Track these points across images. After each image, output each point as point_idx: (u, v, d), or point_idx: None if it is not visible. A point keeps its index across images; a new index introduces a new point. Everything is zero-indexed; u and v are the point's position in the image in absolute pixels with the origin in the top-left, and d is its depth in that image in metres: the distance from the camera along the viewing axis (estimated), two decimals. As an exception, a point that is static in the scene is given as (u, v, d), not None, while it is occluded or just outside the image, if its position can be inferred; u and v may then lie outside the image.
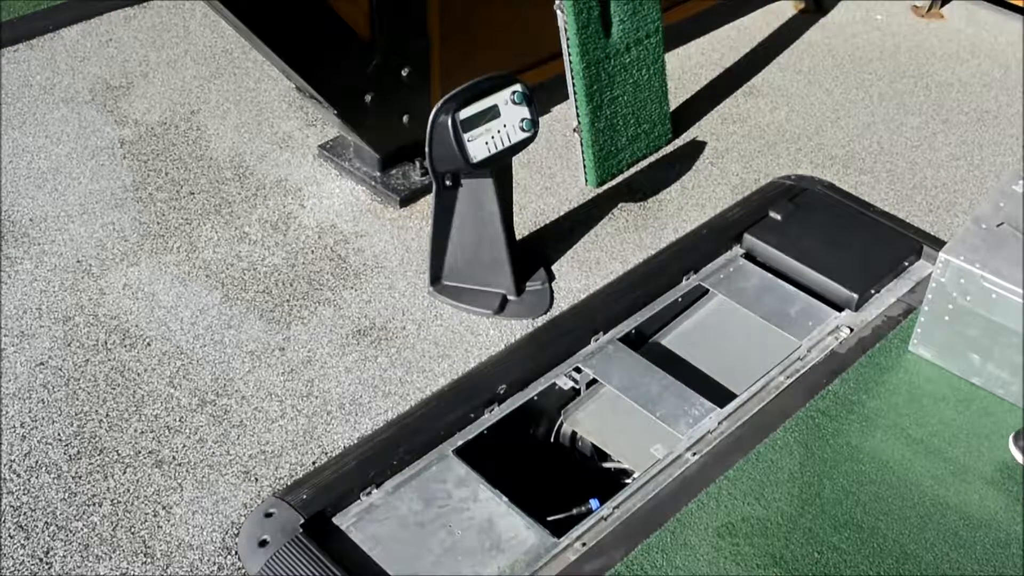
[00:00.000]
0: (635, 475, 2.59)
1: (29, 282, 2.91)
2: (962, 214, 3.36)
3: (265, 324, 2.83)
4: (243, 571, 2.23)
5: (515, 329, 2.86)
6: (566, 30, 3.07)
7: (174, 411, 2.57)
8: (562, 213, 3.31)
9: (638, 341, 2.90)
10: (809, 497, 2.44)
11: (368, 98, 3.10)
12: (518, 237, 3.01)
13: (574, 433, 2.76)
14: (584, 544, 2.31)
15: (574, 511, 2.50)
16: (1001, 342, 2.63)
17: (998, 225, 2.71)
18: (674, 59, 4.07)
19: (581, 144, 3.25)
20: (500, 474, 2.48)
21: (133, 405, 2.58)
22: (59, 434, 2.50)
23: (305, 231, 3.16)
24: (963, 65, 4.19)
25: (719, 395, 2.73)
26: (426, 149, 2.67)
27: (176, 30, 4.08)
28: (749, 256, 3.16)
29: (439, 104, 2.64)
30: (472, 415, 2.59)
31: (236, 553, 2.26)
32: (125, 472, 2.42)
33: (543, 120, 3.29)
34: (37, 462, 2.43)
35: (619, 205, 3.35)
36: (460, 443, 2.53)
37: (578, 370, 2.75)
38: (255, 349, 2.75)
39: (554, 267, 3.09)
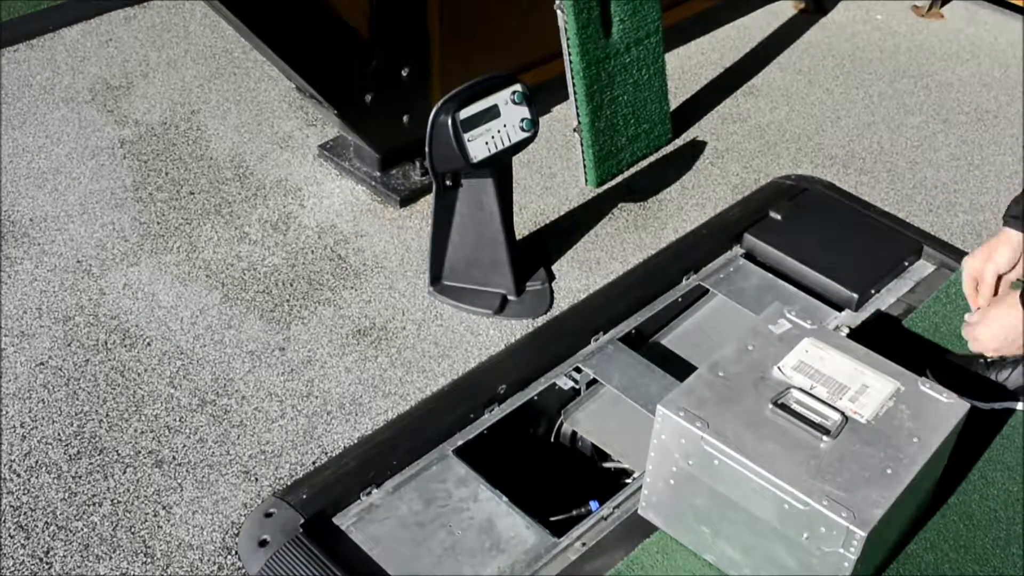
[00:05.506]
0: (635, 475, 2.59)
1: (29, 282, 2.91)
2: (962, 214, 3.36)
3: (265, 324, 2.83)
4: (243, 571, 2.23)
5: (515, 329, 2.86)
6: (566, 30, 3.07)
7: (174, 411, 2.57)
8: (562, 213, 3.31)
9: (638, 341, 2.90)
10: (809, 497, 2.43)
11: (368, 98, 3.11)
12: (518, 237, 3.00)
13: (574, 433, 2.76)
14: (584, 544, 2.31)
15: (574, 512, 2.50)
16: (729, 517, 2.14)
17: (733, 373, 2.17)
18: (674, 59, 4.07)
19: (581, 144, 3.25)
20: (500, 474, 2.48)
21: (133, 405, 2.58)
22: (59, 434, 2.50)
23: (305, 231, 3.16)
24: (963, 65, 4.19)
25: (719, 395, 2.73)
26: (426, 149, 2.67)
27: (176, 30, 4.08)
28: (749, 256, 3.16)
29: (439, 104, 2.64)
30: (472, 415, 2.59)
31: (236, 553, 2.26)
32: (125, 472, 2.42)
33: (543, 120, 3.28)
34: (37, 462, 2.43)
35: (619, 205, 3.35)
36: (460, 443, 2.53)
37: (578, 370, 2.75)
38: (255, 349, 2.75)
39: (554, 267, 3.09)
